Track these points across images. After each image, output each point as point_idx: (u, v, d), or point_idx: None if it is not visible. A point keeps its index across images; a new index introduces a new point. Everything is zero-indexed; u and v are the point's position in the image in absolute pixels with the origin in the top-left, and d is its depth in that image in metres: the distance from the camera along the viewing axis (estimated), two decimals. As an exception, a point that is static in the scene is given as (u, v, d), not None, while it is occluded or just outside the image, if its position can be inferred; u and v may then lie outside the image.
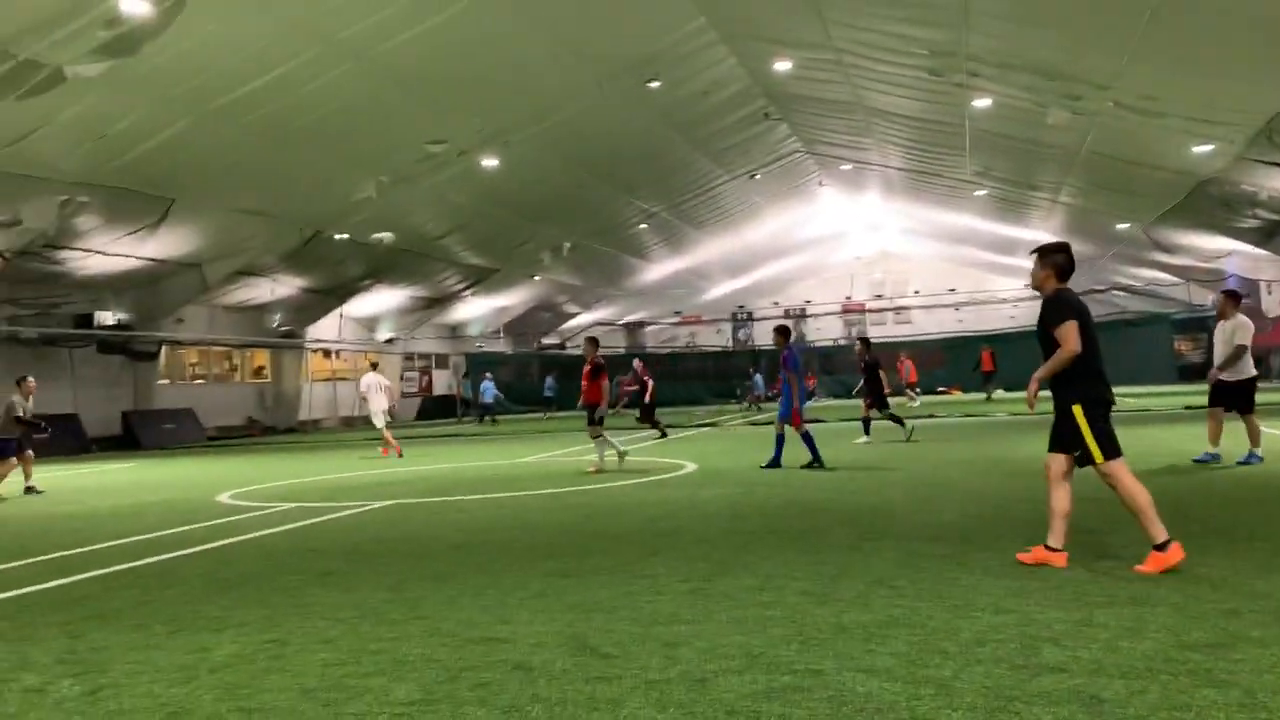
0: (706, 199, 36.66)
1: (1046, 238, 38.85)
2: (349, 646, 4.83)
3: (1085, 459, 5.99)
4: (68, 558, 8.16)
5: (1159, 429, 17.34)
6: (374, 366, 20.69)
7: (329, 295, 34.54)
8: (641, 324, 57.81)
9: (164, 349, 31.26)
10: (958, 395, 39.88)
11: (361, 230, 28.94)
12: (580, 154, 28.21)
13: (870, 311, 56.06)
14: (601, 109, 24.80)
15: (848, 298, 56.36)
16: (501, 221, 32.29)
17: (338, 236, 28.93)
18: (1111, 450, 5.93)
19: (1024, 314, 50.10)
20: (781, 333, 13.50)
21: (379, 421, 19.48)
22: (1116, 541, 6.68)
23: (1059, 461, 6.13)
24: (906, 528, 7.75)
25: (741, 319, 58.39)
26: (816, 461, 12.90)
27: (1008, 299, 52.43)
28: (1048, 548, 6.06)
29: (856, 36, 20.37)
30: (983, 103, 22.38)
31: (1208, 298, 44.37)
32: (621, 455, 14.41)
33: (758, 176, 35.56)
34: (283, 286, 32.33)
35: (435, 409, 45.20)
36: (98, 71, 16.64)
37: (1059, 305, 6.20)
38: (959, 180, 32.60)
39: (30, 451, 15.38)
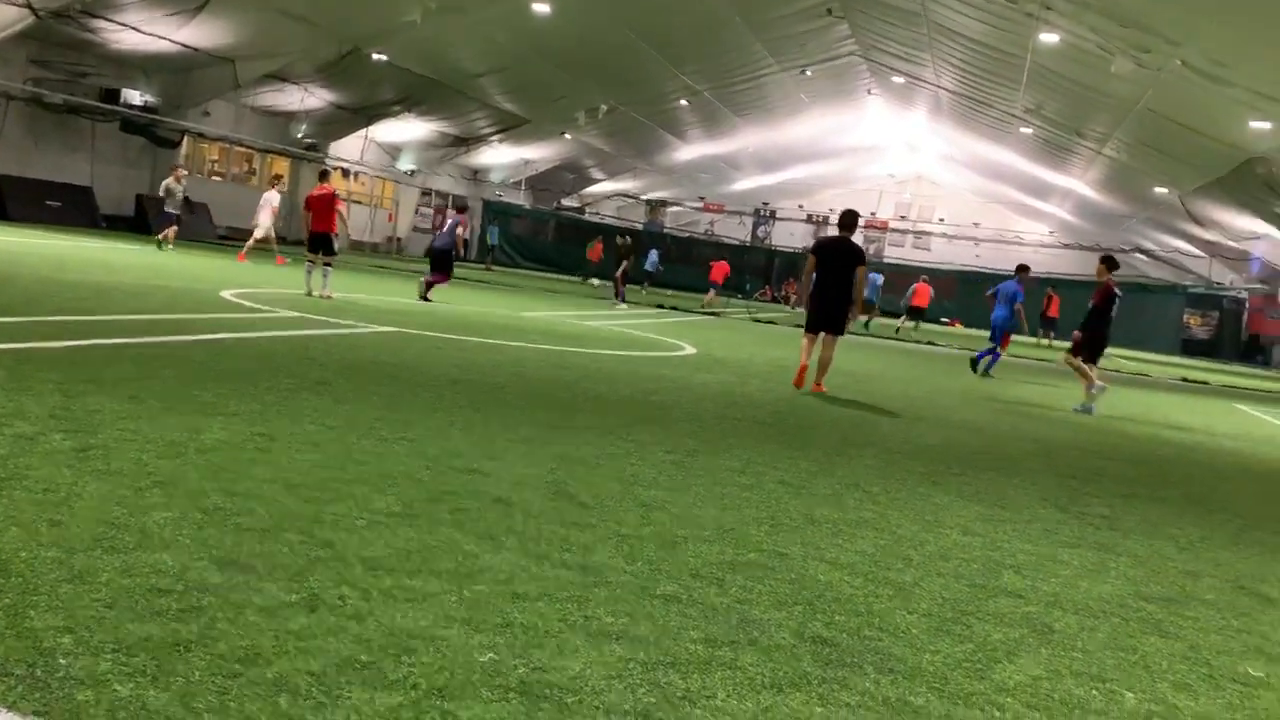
0: (752, 87, 35.87)
1: (1082, 187, 38.30)
2: (335, 453, 4.93)
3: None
4: (69, 323, 8.24)
5: (1150, 394, 17.41)
6: (274, 183, 23.29)
7: (357, 115, 34.03)
8: (664, 203, 57.25)
9: (186, 139, 30.92)
10: (959, 329, 39.82)
11: (400, 53, 28.33)
12: (635, 17, 27.45)
13: (892, 231, 55.56)
14: (664, -28, 24.04)
15: (873, 214, 55.68)
16: (541, 71, 31.61)
17: (375, 56, 28.35)
18: (807, 329, 10.99)
19: (1044, 260, 49.66)
20: (1024, 270, 17.04)
21: (261, 233, 22.21)
22: (1095, 491, 6.79)
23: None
24: (890, 442, 7.85)
25: (764, 216, 57.79)
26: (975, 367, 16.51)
27: (1030, 243, 51.93)
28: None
29: (938, -56, 19.64)
30: (1050, 38, 21.72)
31: (1228, 277, 44.02)
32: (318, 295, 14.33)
33: (809, 73, 34.76)
34: (313, 98, 31.81)
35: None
36: None
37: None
38: (1007, 114, 31.90)
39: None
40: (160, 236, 21.41)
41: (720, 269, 32.42)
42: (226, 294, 12.89)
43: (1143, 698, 3.14)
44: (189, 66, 27.45)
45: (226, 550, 3.34)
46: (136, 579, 2.98)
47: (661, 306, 26.64)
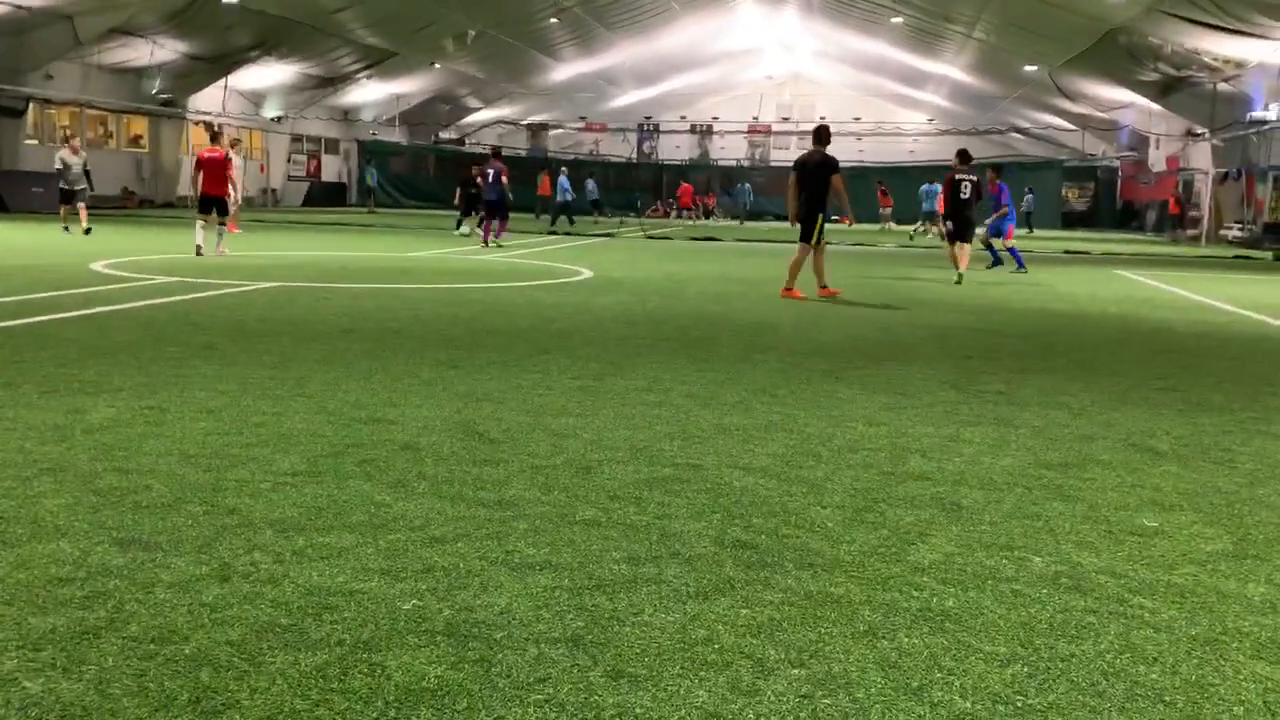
0: (621, -2, 35.23)
1: (956, 73, 38.85)
2: (231, 418, 4.78)
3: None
4: (-72, 314, 7.79)
5: (1036, 269, 17.98)
6: (234, 145, 21.09)
7: (214, 64, 32.47)
8: (545, 126, 56.29)
9: (32, 106, 29.14)
10: (848, 225, 40.43)
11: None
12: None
13: (775, 134, 55.71)
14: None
15: (754, 118, 55.68)
16: (403, 0, 30.50)
17: (226, 0, 26.96)
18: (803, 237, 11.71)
19: (923, 149, 50.49)
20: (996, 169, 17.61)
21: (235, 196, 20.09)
22: (990, 368, 7.01)
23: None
24: (792, 344, 7.96)
25: (648, 130, 57.32)
26: (1020, 267, 16.85)
27: (910, 133, 52.64)
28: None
29: None
30: (912, -77, 21.76)
31: (1100, 148, 45.37)
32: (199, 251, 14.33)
33: (676, -21, 34.25)
34: (164, 51, 30.21)
35: (323, 195, 43.73)
36: None
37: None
38: (878, 4, 32.02)
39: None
40: (63, 217, 19.18)
41: (687, 191, 32.99)
42: (98, 266, 12.32)
43: (1049, 560, 3.27)
44: (21, 28, 25.74)
45: (127, 530, 3.22)
46: (34, 571, 2.86)
47: (554, 233, 26.37)
